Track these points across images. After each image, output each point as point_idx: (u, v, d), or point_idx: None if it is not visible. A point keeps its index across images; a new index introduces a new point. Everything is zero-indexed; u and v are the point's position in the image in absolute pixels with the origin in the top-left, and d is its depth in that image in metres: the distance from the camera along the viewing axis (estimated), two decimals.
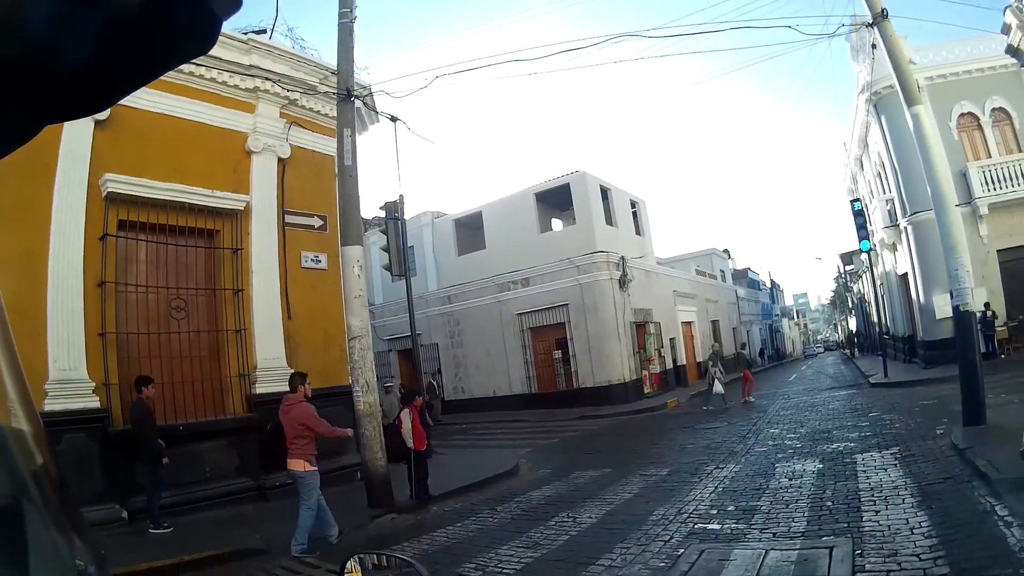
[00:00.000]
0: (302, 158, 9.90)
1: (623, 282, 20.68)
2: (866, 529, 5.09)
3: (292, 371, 8.99)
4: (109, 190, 7.78)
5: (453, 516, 7.58)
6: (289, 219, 9.64)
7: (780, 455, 8.88)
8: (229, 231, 8.96)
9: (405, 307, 13.70)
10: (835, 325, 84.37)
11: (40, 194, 7.18)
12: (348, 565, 1.35)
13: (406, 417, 7.98)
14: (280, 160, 9.62)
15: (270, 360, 8.99)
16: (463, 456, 12.67)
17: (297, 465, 6.59)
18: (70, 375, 7.10)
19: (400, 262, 12.50)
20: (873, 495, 6.09)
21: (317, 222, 10.08)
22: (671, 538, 5.60)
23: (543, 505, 7.62)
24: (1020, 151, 16.71)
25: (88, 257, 7.47)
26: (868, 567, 4.31)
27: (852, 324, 49.72)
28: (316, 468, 6.59)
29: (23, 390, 0.55)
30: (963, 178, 16.20)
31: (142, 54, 0.49)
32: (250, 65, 9.22)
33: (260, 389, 8.20)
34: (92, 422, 7.15)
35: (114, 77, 0.50)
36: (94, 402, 7.23)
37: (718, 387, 15.68)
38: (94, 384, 7.28)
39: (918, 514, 5.21)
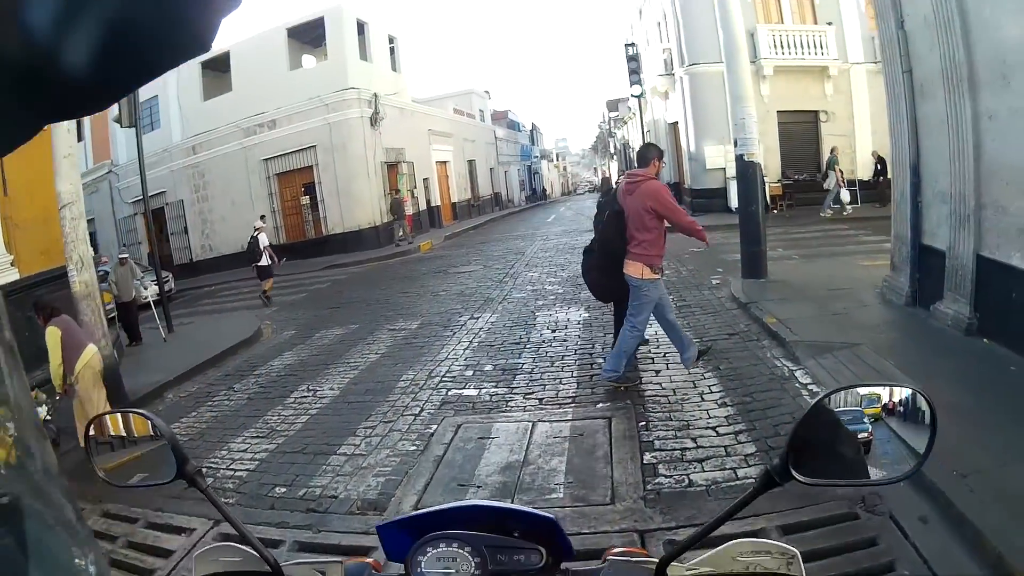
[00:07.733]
0: None
1: (374, 120, 20.17)
2: (648, 394, 4.54)
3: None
4: None
5: (189, 403, 6.52)
6: None
7: (541, 302, 8.44)
8: None
9: (149, 164, 11.81)
10: (595, 169, 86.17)
11: None
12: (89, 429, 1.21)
13: None
14: None
15: None
16: (205, 325, 11.41)
17: (633, 269, 4.65)
18: None
19: (131, 112, 10.56)
20: (650, 351, 5.44)
21: None
22: (421, 410, 5.03)
23: (283, 377, 6.84)
24: (815, 23, 17.18)
25: None
26: (658, 445, 3.67)
27: (614, 168, 49.04)
28: (659, 276, 4.71)
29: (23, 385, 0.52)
30: (751, 38, 15.86)
31: (143, 53, 0.47)
32: None
33: None
34: None
35: (114, 76, 0.48)
36: None
37: (845, 193, 15.09)
38: None
39: (706, 376, 4.65)
